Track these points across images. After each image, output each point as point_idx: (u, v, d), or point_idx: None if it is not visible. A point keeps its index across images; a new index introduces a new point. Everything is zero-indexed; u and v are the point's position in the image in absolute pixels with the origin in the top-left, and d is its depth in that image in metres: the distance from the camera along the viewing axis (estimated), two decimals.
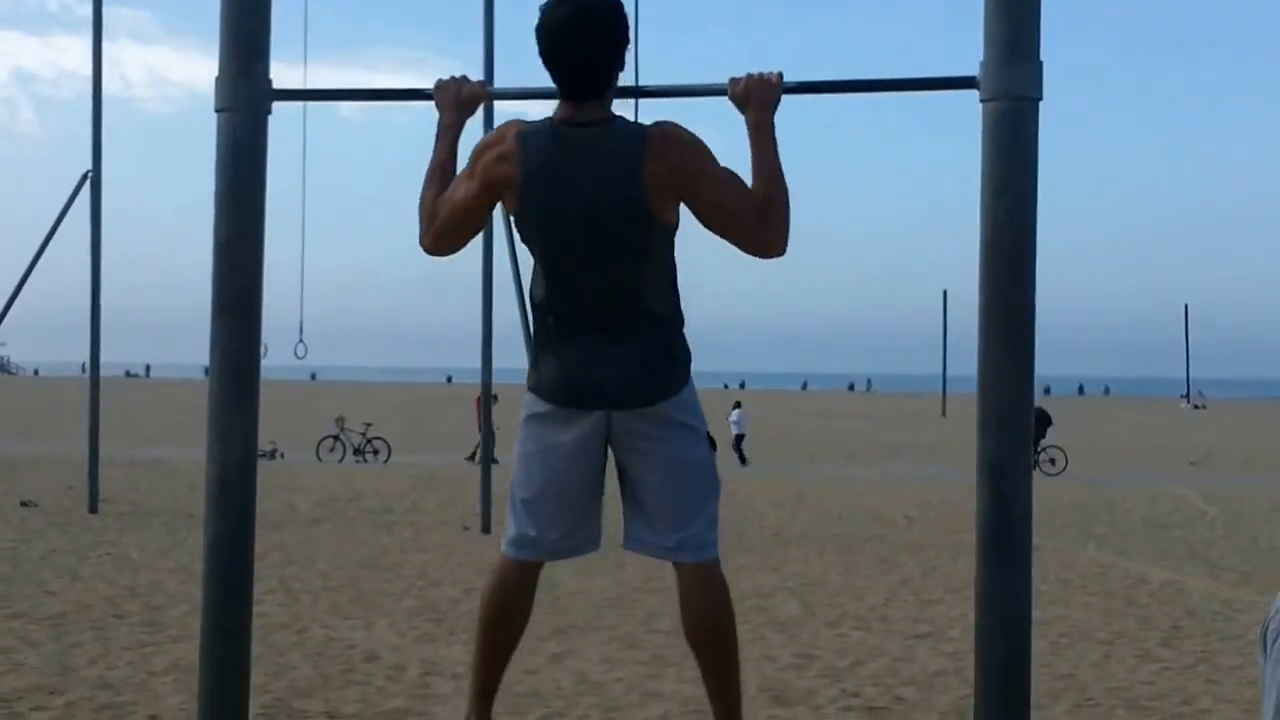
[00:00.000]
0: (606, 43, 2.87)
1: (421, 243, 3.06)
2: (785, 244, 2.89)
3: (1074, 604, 8.70)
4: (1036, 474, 22.94)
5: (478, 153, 2.98)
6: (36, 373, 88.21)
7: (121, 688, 5.66)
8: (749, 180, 2.91)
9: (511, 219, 3.00)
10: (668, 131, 2.87)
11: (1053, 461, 23.06)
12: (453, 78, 3.02)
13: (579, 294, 2.92)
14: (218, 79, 2.96)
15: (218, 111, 2.97)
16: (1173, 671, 6.68)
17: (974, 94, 2.72)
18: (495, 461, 13.22)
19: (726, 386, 69.80)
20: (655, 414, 2.93)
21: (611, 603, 8.38)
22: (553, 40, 2.86)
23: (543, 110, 3.01)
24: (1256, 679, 7.11)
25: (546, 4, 2.88)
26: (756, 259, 2.95)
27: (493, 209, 3.05)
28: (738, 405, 25.79)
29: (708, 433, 3.04)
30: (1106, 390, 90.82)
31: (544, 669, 6.27)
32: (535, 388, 3.01)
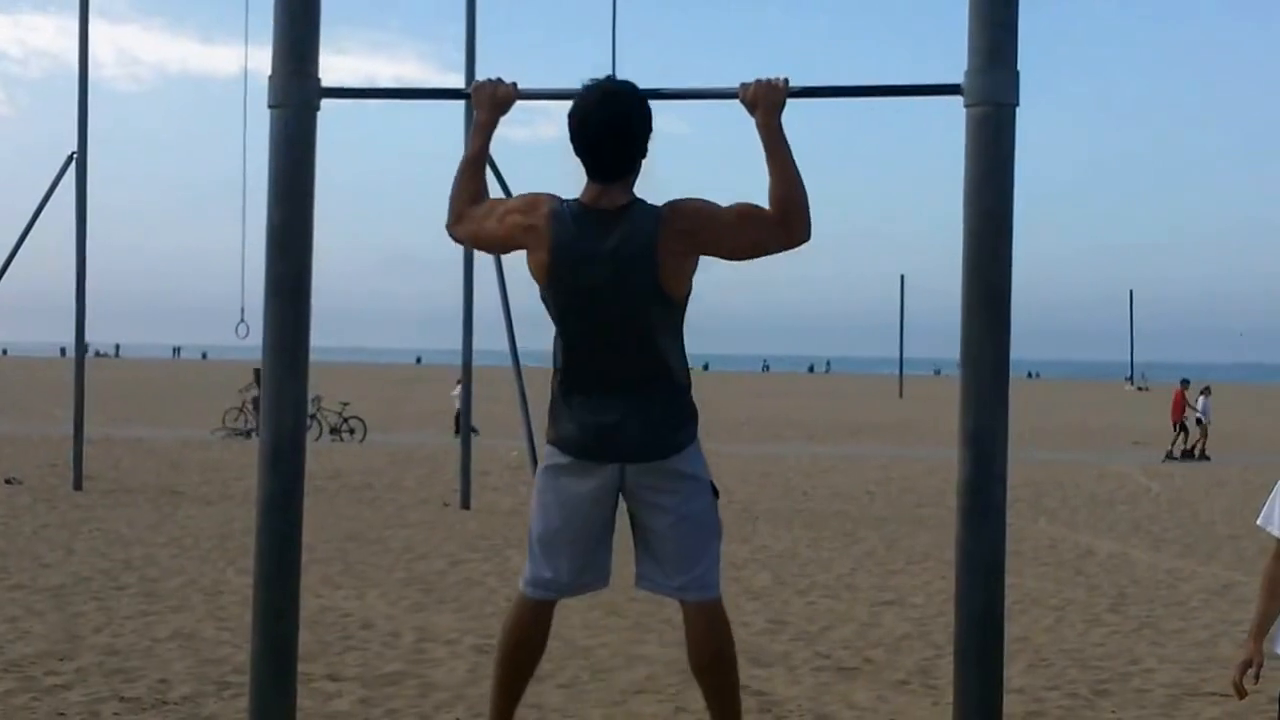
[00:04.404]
0: (635, 136, 3.18)
1: (447, 230, 3.38)
2: (810, 232, 3.19)
3: (1027, 574, 9.10)
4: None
5: (510, 209, 3.27)
6: (5, 352, 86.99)
7: (129, 654, 5.87)
8: (753, 197, 3.19)
9: (538, 289, 3.27)
10: (676, 207, 3.16)
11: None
12: (488, 79, 3.30)
13: (597, 362, 3.21)
14: (271, 77, 3.22)
15: (271, 107, 3.22)
16: (1120, 635, 7.07)
17: (958, 100, 3.04)
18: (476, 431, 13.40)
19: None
20: (665, 468, 3.23)
21: None
22: (586, 131, 3.15)
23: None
24: (1199, 641, 7.54)
25: (581, 96, 3.17)
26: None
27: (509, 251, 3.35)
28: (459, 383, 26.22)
29: (711, 482, 3.33)
30: (1037, 374, 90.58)
31: None
32: (555, 441, 3.30)
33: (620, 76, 3.26)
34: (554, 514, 3.28)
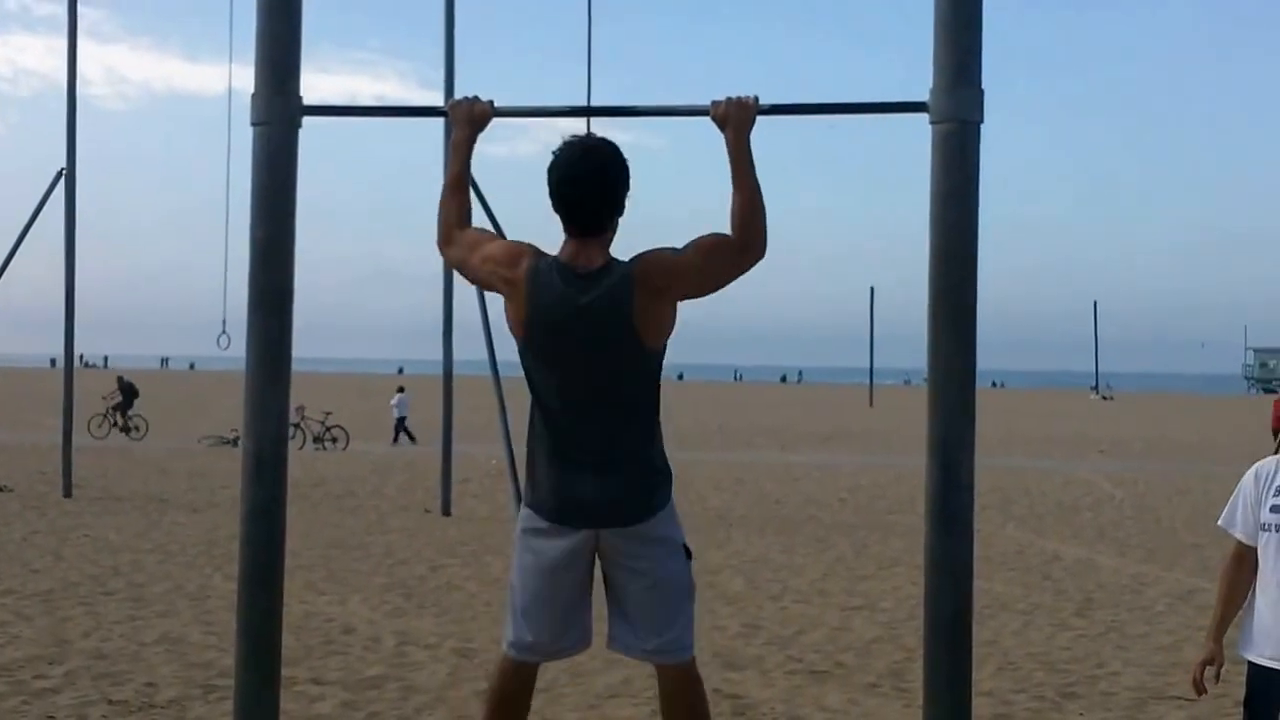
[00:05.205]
0: (613, 191, 3.22)
1: (439, 248, 3.42)
2: (765, 249, 3.25)
3: (995, 579, 9.23)
4: (122, 437, 24.37)
5: (491, 256, 3.28)
6: None
7: (116, 658, 5.95)
8: (723, 207, 3.23)
9: (515, 343, 3.30)
10: (645, 262, 3.19)
11: (137, 429, 25.26)
12: (465, 97, 3.36)
13: (572, 426, 3.24)
14: (254, 96, 3.27)
15: (254, 125, 3.28)
16: (1086, 638, 7.19)
17: (924, 117, 3.12)
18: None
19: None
20: (639, 532, 3.26)
21: None
22: (565, 185, 3.19)
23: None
24: (1163, 645, 7.66)
25: (560, 150, 3.22)
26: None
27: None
28: (401, 390, 26.18)
29: (684, 543, 3.36)
30: (1001, 384, 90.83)
31: None
32: (531, 505, 3.34)
33: (599, 135, 3.31)
34: (532, 578, 3.32)
